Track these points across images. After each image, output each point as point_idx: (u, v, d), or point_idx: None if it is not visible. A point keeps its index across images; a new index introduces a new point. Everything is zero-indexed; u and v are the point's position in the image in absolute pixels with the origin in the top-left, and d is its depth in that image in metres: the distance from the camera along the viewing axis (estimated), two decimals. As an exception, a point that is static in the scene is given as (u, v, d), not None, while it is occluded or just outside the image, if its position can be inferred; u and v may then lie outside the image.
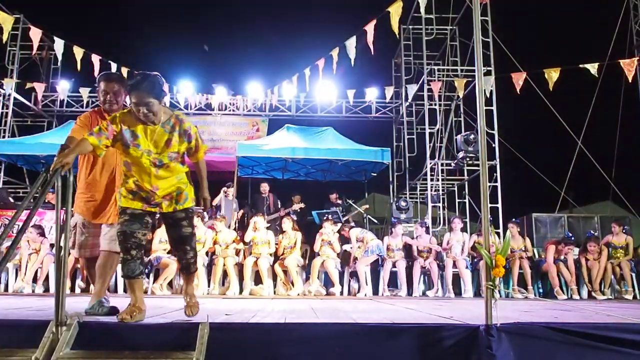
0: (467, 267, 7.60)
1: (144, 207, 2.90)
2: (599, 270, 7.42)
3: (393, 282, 7.89)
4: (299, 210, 9.03)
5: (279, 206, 9.58)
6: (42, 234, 7.41)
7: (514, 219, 8.14)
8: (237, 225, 8.86)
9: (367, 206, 9.84)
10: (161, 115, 2.85)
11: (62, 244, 2.59)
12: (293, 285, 7.40)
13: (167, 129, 2.86)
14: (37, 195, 2.61)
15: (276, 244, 7.94)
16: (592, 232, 7.92)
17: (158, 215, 3.07)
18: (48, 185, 2.72)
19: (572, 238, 7.75)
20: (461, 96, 10.78)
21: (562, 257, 7.51)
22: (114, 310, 3.15)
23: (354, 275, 7.71)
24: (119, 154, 2.97)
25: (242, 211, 9.33)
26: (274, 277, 7.61)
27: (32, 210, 2.58)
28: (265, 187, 9.60)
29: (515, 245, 7.63)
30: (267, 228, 8.04)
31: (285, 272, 7.52)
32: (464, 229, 8.21)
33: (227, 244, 7.58)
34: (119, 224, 2.86)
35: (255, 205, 9.51)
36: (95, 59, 10.00)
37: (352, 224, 8.08)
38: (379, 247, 7.60)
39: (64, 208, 2.60)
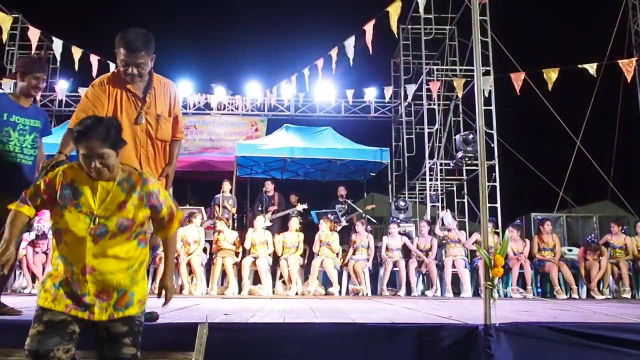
0: (466, 267, 7.61)
1: (67, 310, 2.02)
2: (599, 271, 7.44)
3: (392, 282, 7.91)
4: (302, 211, 9.03)
5: (284, 205, 9.57)
6: (45, 237, 7.44)
7: (514, 222, 8.15)
8: (235, 222, 8.86)
9: (374, 205, 9.81)
10: (118, 171, 2.17)
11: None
12: (291, 283, 7.40)
13: (124, 188, 2.15)
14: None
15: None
16: (593, 237, 7.91)
17: None
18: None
19: (595, 241, 7.85)
20: (460, 96, 10.78)
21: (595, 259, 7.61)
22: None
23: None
24: (51, 222, 2.18)
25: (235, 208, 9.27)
26: (273, 276, 7.61)
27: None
28: (269, 186, 9.58)
29: (516, 249, 7.62)
30: (269, 228, 8.04)
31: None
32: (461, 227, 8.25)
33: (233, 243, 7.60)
34: (28, 336, 1.97)
35: (261, 204, 9.47)
36: (94, 59, 9.99)
37: (359, 225, 8.05)
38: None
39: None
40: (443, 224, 8.00)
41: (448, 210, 8.31)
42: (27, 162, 3.49)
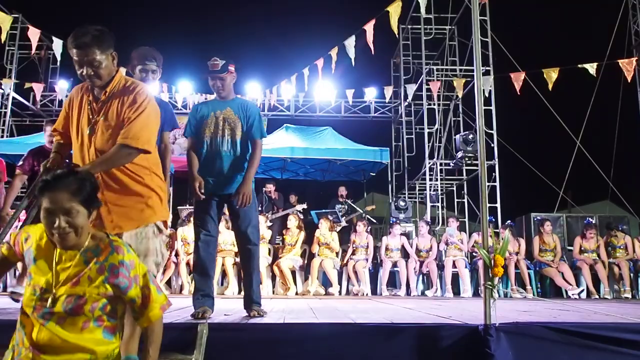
0: (466, 267, 7.61)
1: None
2: (600, 270, 7.46)
3: (392, 282, 7.91)
4: (301, 211, 9.03)
5: (282, 205, 9.56)
6: None
7: (507, 222, 8.14)
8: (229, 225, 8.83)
9: (374, 206, 9.81)
10: (87, 238, 1.77)
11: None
12: (289, 286, 7.39)
13: (86, 257, 1.74)
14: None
15: (277, 243, 7.92)
16: (590, 219, 7.98)
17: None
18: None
19: (591, 222, 7.91)
20: (460, 96, 10.79)
21: (589, 243, 7.67)
22: None
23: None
24: None
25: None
26: (273, 276, 7.61)
27: (29, 212, 2.58)
28: (270, 187, 9.57)
29: (511, 249, 7.62)
30: (270, 228, 8.03)
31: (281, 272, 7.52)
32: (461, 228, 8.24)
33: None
34: None
35: (261, 204, 9.46)
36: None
37: (361, 225, 8.04)
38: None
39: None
40: (448, 243, 7.94)
41: (452, 221, 8.23)
42: None
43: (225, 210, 3.83)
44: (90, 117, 2.48)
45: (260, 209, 9.22)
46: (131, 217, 2.44)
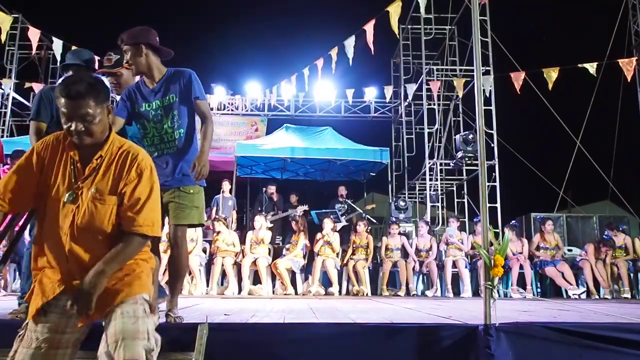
0: (466, 267, 7.61)
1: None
2: (600, 271, 7.45)
3: (392, 282, 7.91)
4: (301, 213, 9.03)
5: (282, 207, 9.56)
6: None
7: (511, 222, 8.14)
8: (235, 224, 8.84)
9: (374, 205, 9.81)
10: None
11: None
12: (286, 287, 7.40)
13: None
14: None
15: (277, 244, 7.92)
16: (610, 236, 7.85)
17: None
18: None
19: (610, 238, 7.77)
20: (460, 96, 10.79)
21: (601, 257, 7.55)
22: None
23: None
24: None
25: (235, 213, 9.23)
26: (273, 276, 7.61)
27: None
28: (271, 188, 9.57)
29: (514, 249, 7.62)
30: (269, 229, 8.04)
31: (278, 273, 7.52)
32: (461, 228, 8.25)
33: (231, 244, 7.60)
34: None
35: (260, 205, 9.45)
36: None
37: (361, 225, 8.05)
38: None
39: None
40: (448, 243, 7.94)
41: (452, 221, 8.23)
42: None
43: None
44: (72, 181, 2.04)
45: (260, 209, 9.22)
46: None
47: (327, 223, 7.80)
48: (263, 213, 8.54)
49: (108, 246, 2.00)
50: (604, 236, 7.82)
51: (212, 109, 12.77)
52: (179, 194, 2.98)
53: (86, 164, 2.05)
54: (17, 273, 7.39)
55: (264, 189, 9.61)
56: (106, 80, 2.16)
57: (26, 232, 3.12)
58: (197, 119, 3.15)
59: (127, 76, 3.39)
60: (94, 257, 1.98)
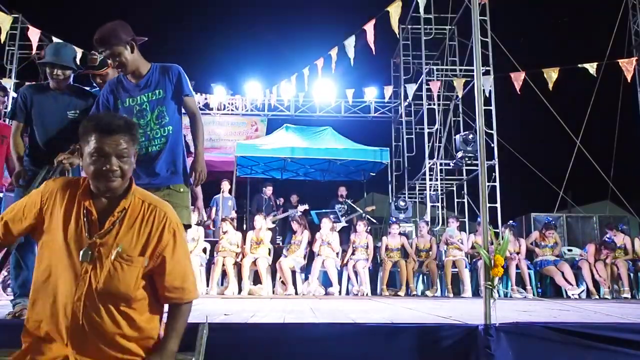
0: (466, 267, 7.61)
1: None
2: (600, 271, 7.45)
3: (392, 282, 7.91)
4: (302, 212, 9.04)
5: (277, 207, 9.57)
6: None
7: (509, 222, 8.14)
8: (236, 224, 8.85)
9: (374, 207, 9.81)
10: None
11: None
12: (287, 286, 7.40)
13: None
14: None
15: (277, 244, 7.91)
16: (612, 239, 7.82)
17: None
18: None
19: (611, 240, 7.72)
20: (460, 96, 10.79)
21: (602, 258, 7.53)
22: None
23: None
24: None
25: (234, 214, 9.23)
26: (273, 276, 7.61)
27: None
28: (269, 190, 9.58)
29: (512, 249, 7.62)
30: (270, 229, 8.04)
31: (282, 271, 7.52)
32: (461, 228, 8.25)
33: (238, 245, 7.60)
34: None
35: (259, 206, 9.45)
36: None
37: (361, 225, 8.06)
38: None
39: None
40: (448, 243, 7.94)
41: (452, 221, 8.24)
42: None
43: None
44: (85, 235, 1.76)
45: (257, 209, 9.23)
46: None
47: (326, 223, 7.80)
48: (263, 213, 8.54)
49: (130, 315, 1.75)
50: (605, 239, 7.79)
51: (212, 109, 12.80)
52: (170, 193, 2.85)
53: (104, 216, 1.79)
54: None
55: (263, 189, 9.62)
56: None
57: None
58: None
59: (113, 75, 3.33)
60: (114, 327, 1.72)
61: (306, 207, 8.99)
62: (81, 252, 1.73)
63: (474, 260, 7.86)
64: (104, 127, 1.75)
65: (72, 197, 1.81)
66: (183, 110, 3.04)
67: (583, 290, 7.32)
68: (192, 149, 3.26)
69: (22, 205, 1.84)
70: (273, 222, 8.56)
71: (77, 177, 1.89)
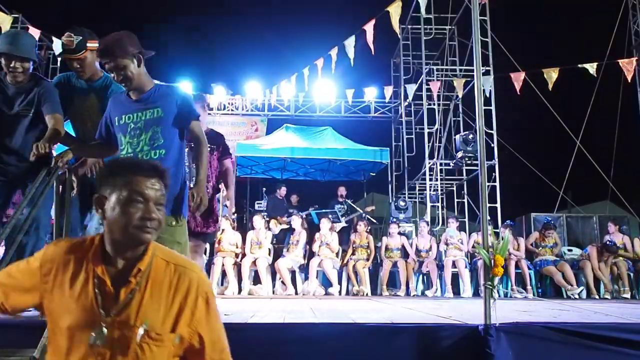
0: (466, 267, 7.61)
1: None
2: (601, 271, 7.45)
3: (392, 282, 7.91)
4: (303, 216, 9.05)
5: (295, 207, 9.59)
6: None
7: (507, 222, 8.14)
8: (235, 222, 8.85)
9: (374, 207, 9.81)
10: None
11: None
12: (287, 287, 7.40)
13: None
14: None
15: (277, 244, 7.91)
16: (614, 242, 7.79)
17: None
18: (47, 185, 2.72)
19: (613, 244, 7.67)
20: (460, 96, 10.78)
21: (603, 259, 7.52)
22: None
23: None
24: None
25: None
26: (273, 276, 7.61)
27: (31, 210, 2.58)
28: (283, 191, 9.57)
29: (511, 248, 7.61)
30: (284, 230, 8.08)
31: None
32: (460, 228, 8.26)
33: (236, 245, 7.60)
34: None
35: (274, 207, 9.42)
36: (94, 59, 9.97)
37: (361, 225, 8.06)
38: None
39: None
40: (448, 243, 7.94)
41: (452, 221, 8.24)
42: None
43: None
44: (99, 311, 1.43)
45: (269, 211, 9.22)
46: None
47: (325, 223, 7.80)
48: (262, 214, 8.53)
49: None
50: (607, 242, 7.79)
51: (212, 109, 12.78)
52: None
53: (119, 285, 1.43)
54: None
55: (277, 190, 9.60)
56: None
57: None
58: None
59: (91, 59, 3.13)
60: None
61: (316, 207, 9.04)
62: (94, 335, 1.39)
63: (474, 260, 7.86)
64: (141, 168, 1.48)
65: (79, 264, 1.45)
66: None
67: (582, 290, 7.32)
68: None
69: (17, 271, 1.49)
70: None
71: (81, 238, 1.53)
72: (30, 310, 1.69)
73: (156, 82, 2.70)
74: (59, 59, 10.19)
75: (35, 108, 3.05)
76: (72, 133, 3.33)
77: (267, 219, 8.65)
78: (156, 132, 2.56)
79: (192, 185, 2.74)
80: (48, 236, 3.33)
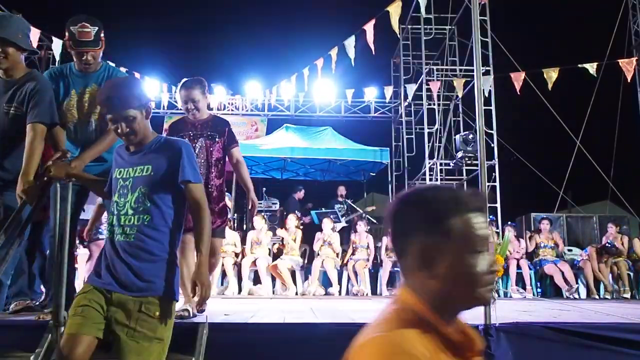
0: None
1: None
2: (601, 272, 7.45)
3: (392, 282, 7.91)
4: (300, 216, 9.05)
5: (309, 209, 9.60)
6: None
7: (509, 223, 8.14)
8: (235, 223, 8.85)
9: (374, 207, 9.82)
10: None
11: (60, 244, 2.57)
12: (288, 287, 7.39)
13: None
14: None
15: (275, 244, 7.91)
16: (614, 244, 7.78)
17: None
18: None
19: (612, 245, 7.68)
20: (460, 96, 10.78)
21: (603, 260, 7.53)
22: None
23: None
24: None
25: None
26: (273, 277, 7.61)
27: (32, 211, 2.58)
28: (301, 193, 9.56)
29: (512, 249, 7.61)
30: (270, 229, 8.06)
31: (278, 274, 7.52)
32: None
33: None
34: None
35: (292, 209, 9.41)
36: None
37: (361, 225, 8.07)
38: None
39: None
40: None
41: None
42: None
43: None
44: None
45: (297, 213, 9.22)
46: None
47: (327, 223, 7.80)
48: (262, 214, 8.52)
49: None
50: (606, 244, 7.78)
51: (212, 109, 12.77)
52: (138, 316, 1.96)
53: None
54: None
55: (294, 193, 9.60)
56: None
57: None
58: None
59: (100, 51, 2.95)
60: None
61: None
62: None
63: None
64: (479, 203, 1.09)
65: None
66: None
67: (577, 288, 7.32)
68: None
69: None
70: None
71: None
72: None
73: (158, 135, 2.27)
74: (58, 59, 10.20)
75: (25, 107, 2.82)
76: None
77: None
78: (142, 194, 2.08)
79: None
80: (49, 236, 3.31)
